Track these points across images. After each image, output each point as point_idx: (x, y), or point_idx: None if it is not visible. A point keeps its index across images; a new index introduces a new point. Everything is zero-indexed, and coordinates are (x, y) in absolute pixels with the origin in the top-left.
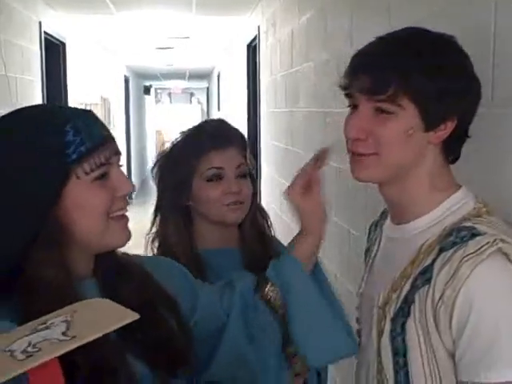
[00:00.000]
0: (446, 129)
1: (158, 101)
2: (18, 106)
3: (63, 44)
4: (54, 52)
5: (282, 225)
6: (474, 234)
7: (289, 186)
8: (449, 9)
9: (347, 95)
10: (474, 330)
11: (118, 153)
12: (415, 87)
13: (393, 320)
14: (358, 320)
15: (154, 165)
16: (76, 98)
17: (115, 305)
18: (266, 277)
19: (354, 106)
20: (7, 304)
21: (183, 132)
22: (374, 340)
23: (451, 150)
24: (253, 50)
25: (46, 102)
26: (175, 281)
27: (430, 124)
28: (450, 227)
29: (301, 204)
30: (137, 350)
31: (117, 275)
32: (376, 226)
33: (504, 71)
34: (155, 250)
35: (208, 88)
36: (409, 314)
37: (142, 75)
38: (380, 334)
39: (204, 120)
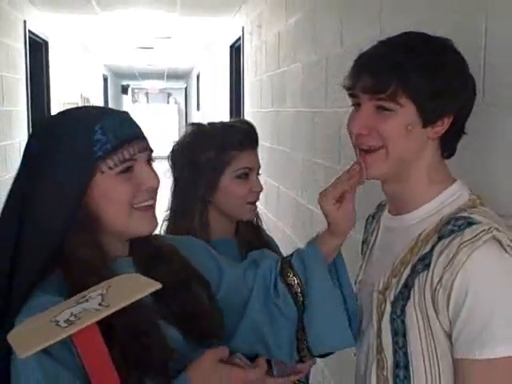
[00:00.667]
0: (443, 125)
1: (134, 101)
2: (3, 103)
3: (46, 43)
4: (37, 51)
5: (268, 221)
6: (470, 222)
7: (321, 194)
8: (441, 12)
9: (351, 95)
10: (470, 311)
11: (147, 149)
12: (413, 86)
13: (393, 303)
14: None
15: (170, 155)
16: (57, 97)
17: (142, 277)
18: (291, 264)
19: (357, 105)
20: (55, 280)
21: (193, 124)
22: (374, 323)
23: (448, 145)
24: (236, 50)
25: (29, 99)
26: (202, 259)
27: (427, 120)
28: (447, 217)
29: (332, 213)
30: (172, 319)
31: (153, 258)
32: (373, 217)
33: (494, 72)
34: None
35: (186, 88)
36: (408, 297)
37: (120, 75)
38: (380, 316)
39: (235, 120)
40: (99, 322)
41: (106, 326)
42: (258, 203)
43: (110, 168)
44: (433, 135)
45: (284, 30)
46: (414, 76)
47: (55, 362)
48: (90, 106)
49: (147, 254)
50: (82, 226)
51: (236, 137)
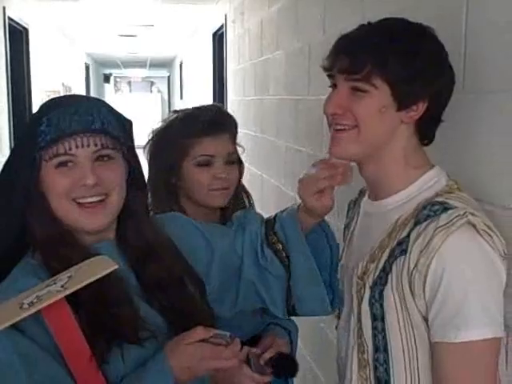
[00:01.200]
0: (418, 110)
1: (117, 89)
2: None
3: (26, 30)
4: (17, 38)
5: None
6: (445, 207)
7: (301, 184)
8: (422, 0)
9: (329, 76)
10: (445, 294)
11: (94, 145)
12: (388, 69)
13: (371, 288)
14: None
15: (147, 143)
16: (38, 85)
17: (105, 259)
18: (275, 230)
19: (334, 86)
20: (34, 260)
21: (177, 111)
22: (354, 307)
23: (424, 131)
24: (219, 38)
25: (10, 87)
26: (190, 237)
27: (401, 104)
28: (424, 202)
29: (311, 203)
30: (160, 310)
31: (144, 254)
32: (355, 203)
33: (474, 62)
34: None
35: (169, 77)
36: (386, 282)
37: (102, 63)
38: (360, 301)
39: (201, 105)
40: (68, 295)
41: (75, 298)
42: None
43: (46, 160)
44: (407, 119)
45: (267, 18)
46: (390, 59)
47: (28, 340)
48: (64, 96)
49: (139, 249)
50: (38, 209)
51: (196, 123)
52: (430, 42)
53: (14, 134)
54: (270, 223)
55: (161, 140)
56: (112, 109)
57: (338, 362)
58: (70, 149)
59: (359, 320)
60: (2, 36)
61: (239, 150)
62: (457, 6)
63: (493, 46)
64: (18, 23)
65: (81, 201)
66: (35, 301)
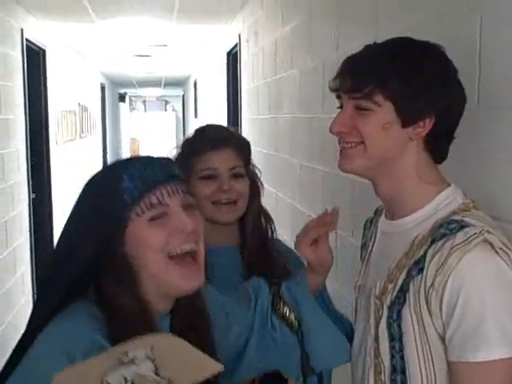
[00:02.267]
0: (425, 126)
1: (132, 108)
2: (1, 111)
3: (43, 51)
4: (34, 59)
5: None
6: (462, 226)
7: (297, 239)
8: (436, 18)
9: (337, 97)
10: (462, 313)
11: (181, 192)
12: (389, 87)
13: (389, 308)
14: (355, 310)
15: None
16: (55, 105)
17: (193, 349)
18: (281, 296)
19: (341, 106)
20: (83, 308)
21: (186, 137)
22: (372, 327)
23: (434, 148)
24: (233, 57)
25: (27, 108)
26: (216, 315)
27: (405, 120)
28: (440, 221)
29: (309, 255)
30: None
31: (190, 322)
32: (371, 222)
33: (490, 76)
34: None
35: (184, 95)
36: (404, 301)
37: (117, 83)
38: (378, 321)
39: (205, 124)
40: None
41: None
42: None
43: (138, 215)
44: (414, 136)
45: (281, 37)
46: (391, 77)
47: None
48: (122, 159)
49: (184, 316)
50: (119, 277)
51: (199, 141)
52: (433, 59)
53: (30, 154)
54: (276, 289)
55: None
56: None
57: (353, 383)
58: (163, 198)
59: (376, 340)
60: (19, 57)
61: (257, 172)
62: (471, 22)
63: (507, 63)
64: (35, 44)
65: (178, 250)
66: None
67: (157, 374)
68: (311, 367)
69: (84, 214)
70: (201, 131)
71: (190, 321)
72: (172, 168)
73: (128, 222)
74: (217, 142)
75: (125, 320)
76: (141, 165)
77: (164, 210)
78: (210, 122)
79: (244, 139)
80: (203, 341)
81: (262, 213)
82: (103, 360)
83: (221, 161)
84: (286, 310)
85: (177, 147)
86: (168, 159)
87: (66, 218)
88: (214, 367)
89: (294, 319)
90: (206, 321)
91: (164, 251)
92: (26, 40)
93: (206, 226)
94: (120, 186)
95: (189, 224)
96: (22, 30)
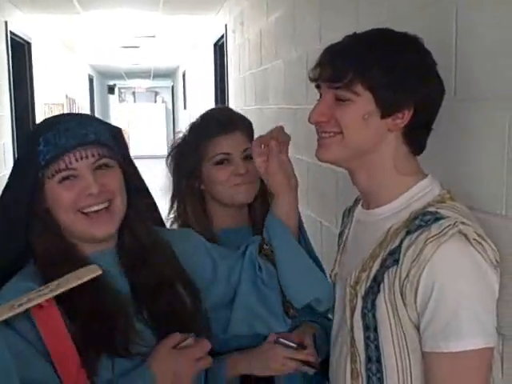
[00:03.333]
0: (403, 118)
1: (122, 100)
2: None
3: (29, 44)
4: (19, 52)
5: None
6: (437, 217)
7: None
8: (414, 10)
9: (316, 86)
10: (436, 304)
11: (92, 156)
12: (369, 77)
13: (364, 298)
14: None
15: (168, 155)
16: (42, 98)
17: (92, 266)
18: (263, 237)
19: (320, 96)
20: (33, 267)
21: (192, 122)
22: (347, 317)
23: (413, 139)
24: (220, 48)
25: (13, 101)
26: (199, 256)
27: (384, 110)
28: (415, 212)
29: (262, 170)
30: (148, 321)
31: (137, 257)
32: (349, 211)
33: (465, 68)
34: None
35: (173, 87)
36: (378, 291)
37: (106, 74)
38: (352, 311)
39: (210, 108)
40: (62, 302)
41: (70, 306)
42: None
43: (49, 177)
44: (392, 127)
45: (265, 28)
46: (371, 68)
47: (20, 337)
48: (55, 116)
49: (132, 252)
50: (43, 226)
51: (207, 126)
52: (412, 50)
53: (17, 147)
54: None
55: (179, 149)
56: (101, 121)
57: (331, 373)
58: (71, 163)
59: (351, 330)
60: (4, 50)
61: None
62: (447, 14)
63: (483, 53)
64: (20, 37)
65: (87, 210)
66: (24, 301)
67: (50, 290)
68: (290, 304)
69: (12, 177)
70: (207, 115)
71: (140, 256)
72: (88, 133)
73: (44, 181)
74: (226, 126)
75: (52, 260)
76: (56, 131)
77: (73, 173)
78: (198, 114)
79: (248, 120)
80: (160, 273)
81: (268, 192)
82: (28, 294)
83: (232, 144)
84: (268, 249)
85: (179, 132)
86: (89, 122)
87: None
88: (92, 272)
89: (273, 258)
90: (161, 256)
91: (73, 209)
92: (11, 33)
93: (219, 210)
94: (36, 148)
95: (93, 186)
96: (6, 22)
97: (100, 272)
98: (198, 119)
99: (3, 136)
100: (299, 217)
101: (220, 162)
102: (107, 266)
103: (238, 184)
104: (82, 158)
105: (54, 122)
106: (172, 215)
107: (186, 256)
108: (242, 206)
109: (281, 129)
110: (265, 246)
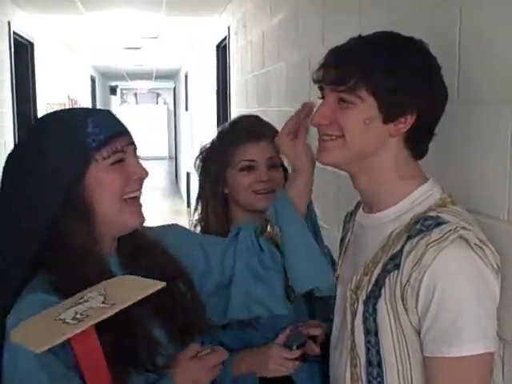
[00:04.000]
0: (406, 123)
1: (123, 101)
2: None
3: (31, 44)
4: (22, 52)
5: None
6: (438, 222)
7: (277, 134)
8: (417, 12)
9: (320, 88)
10: (438, 309)
11: (134, 144)
12: (374, 81)
13: (365, 302)
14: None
15: (197, 158)
16: (44, 98)
17: (140, 278)
18: (267, 219)
19: (323, 98)
20: (43, 281)
21: (221, 128)
22: (348, 321)
23: (414, 145)
24: (222, 50)
25: (15, 101)
26: (189, 248)
27: (387, 116)
28: (417, 217)
29: (288, 146)
30: (154, 318)
31: (137, 253)
32: (351, 215)
33: (468, 71)
34: None
35: (175, 88)
36: (379, 295)
37: (108, 75)
38: (353, 315)
39: (239, 115)
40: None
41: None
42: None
43: (104, 158)
44: (394, 132)
45: (268, 30)
46: (376, 72)
47: (58, 359)
48: (76, 108)
49: (130, 250)
50: (78, 216)
51: (235, 132)
52: (417, 54)
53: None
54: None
55: (207, 154)
56: None
57: (332, 376)
58: (125, 145)
59: (352, 334)
60: (7, 50)
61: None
62: (451, 18)
63: (487, 56)
64: (23, 37)
65: (133, 195)
66: (79, 316)
67: (103, 302)
68: (293, 289)
69: (44, 160)
70: (236, 123)
71: (135, 260)
72: (123, 123)
73: (90, 165)
74: (254, 134)
75: (79, 258)
76: (104, 115)
77: (123, 157)
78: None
79: (275, 129)
80: (160, 268)
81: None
82: (61, 306)
83: (258, 152)
84: (272, 230)
85: (208, 138)
86: (114, 114)
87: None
88: (155, 285)
89: (278, 239)
90: (156, 252)
91: (120, 194)
92: (14, 33)
93: (241, 214)
94: (85, 130)
95: (143, 172)
96: (9, 22)
97: (164, 284)
98: (226, 126)
99: (5, 135)
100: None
101: (244, 169)
102: (115, 269)
103: (259, 191)
104: (131, 143)
105: (91, 109)
106: (196, 217)
107: (174, 249)
108: (262, 212)
109: (313, 105)
110: (269, 229)
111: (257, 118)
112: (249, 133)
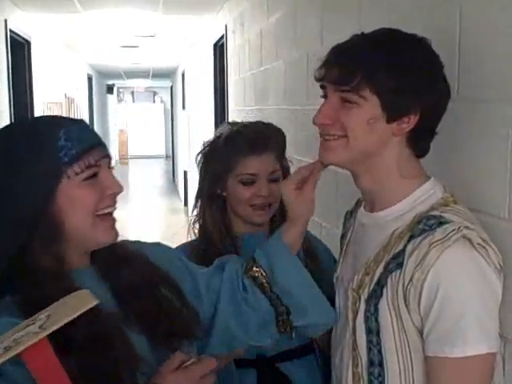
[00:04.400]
0: (409, 122)
1: (120, 100)
2: None
3: (28, 42)
4: (19, 50)
5: None
6: (441, 222)
7: (283, 181)
8: (417, 11)
9: (321, 86)
10: (441, 309)
11: (108, 156)
12: (377, 81)
13: (367, 301)
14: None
15: (200, 152)
16: (40, 97)
17: (84, 293)
18: (254, 257)
19: (325, 96)
20: (9, 303)
21: (229, 124)
22: (349, 321)
23: (417, 144)
24: (220, 48)
25: (12, 100)
26: (171, 265)
27: (391, 115)
28: (419, 216)
29: (291, 199)
30: (136, 324)
31: (116, 263)
32: (351, 214)
33: (468, 69)
34: (196, 232)
35: (172, 87)
36: (381, 295)
37: (104, 74)
38: (355, 314)
39: (249, 121)
40: (54, 337)
41: (64, 340)
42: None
43: (76, 174)
44: (397, 131)
45: (266, 28)
46: (379, 71)
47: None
48: (48, 116)
49: (109, 261)
50: (47, 235)
51: (241, 141)
52: (421, 53)
53: None
54: (251, 255)
55: (209, 152)
56: None
57: (333, 376)
58: (98, 160)
59: (354, 333)
60: (3, 48)
61: (290, 164)
62: (451, 15)
63: (487, 54)
64: (19, 35)
65: (107, 211)
66: (12, 344)
67: (40, 327)
68: (290, 323)
69: (11, 176)
70: (242, 131)
71: (115, 268)
72: (97, 134)
73: (62, 181)
74: (257, 146)
75: (45, 280)
76: (76, 126)
77: (96, 171)
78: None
79: (281, 135)
80: (141, 275)
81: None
82: (12, 331)
83: (260, 166)
84: (258, 271)
85: (215, 132)
86: (88, 125)
87: None
88: (86, 303)
89: (265, 282)
90: (137, 262)
91: (93, 211)
92: (10, 31)
93: (238, 219)
94: (57, 144)
95: (118, 187)
96: (5, 20)
97: (96, 302)
98: (232, 131)
99: None
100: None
101: (245, 183)
102: (90, 280)
103: (257, 205)
104: (105, 157)
105: (64, 119)
106: (195, 213)
107: (158, 262)
108: (260, 224)
109: (321, 166)
110: (254, 269)
111: (263, 125)
112: (253, 145)
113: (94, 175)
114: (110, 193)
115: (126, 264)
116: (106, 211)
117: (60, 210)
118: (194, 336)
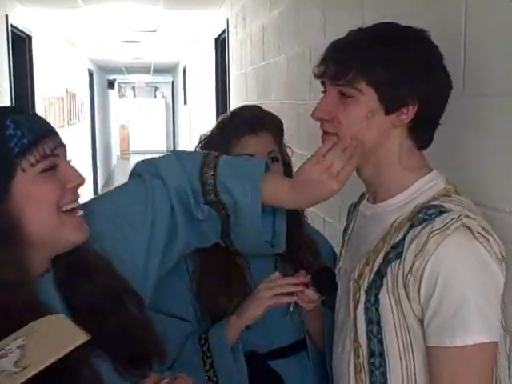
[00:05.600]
0: (408, 113)
1: (121, 95)
2: None
3: (29, 37)
4: (20, 46)
5: None
6: (441, 211)
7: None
8: (422, 4)
9: (322, 83)
10: (441, 298)
11: (63, 145)
12: (372, 74)
13: (367, 291)
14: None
15: (196, 147)
16: (42, 92)
17: (67, 323)
18: (217, 190)
19: (324, 92)
20: None
21: (222, 117)
22: (350, 311)
23: (418, 135)
24: (221, 43)
25: (13, 95)
26: (126, 243)
27: (388, 107)
28: (420, 206)
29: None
30: (100, 350)
31: (78, 271)
32: (354, 207)
33: (474, 63)
34: None
35: (173, 82)
36: (381, 285)
37: (106, 69)
38: (355, 305)
39: (241, 106)
40: None
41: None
42: None
43: (32, 165)
44: (397, 123)
45: (268, 23)
46: (374, 64)
47: None
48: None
49: (69, 269)
50: (2, 241)
51: (236, 123)
52: (416, 45)
53: None
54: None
55: (206, 143)
56: None
57: (335, 366)
58: (55, 148)
59: (355, 324)
60: (4, 44)
61: (288, 151)
62: (456, 10)
63: (492, 49)
64: (21, 31)
65: (70, 206)
66: None
67: (16, 363)
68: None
69: None
70: (237, 113)
71: (75, 278)
72: (49, 122)
73: (16, 173)
74: (254, 126)
75: (6, 294)
76: (25, 115)
77: (55, 162)
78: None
79: (278, 120)
80: (103, 288)
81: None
82: None
83: (258, 145)
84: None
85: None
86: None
87: None
88: (76, 338)
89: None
90: (97, 282)
91: (56, 208)
92: (12, 26)
93: None
94: (5, 133)
95: (80, 178)
96: (6, 16)
97: (88, 338)
98: (227, 116)
99: None
100: None
101: None
102: (46, 289)
103: None
104: (61, 145)
105: (10, 108)
106: None
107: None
108: None
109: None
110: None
111: (258, 108)
112: (249, 125)
113: (52, 167)
114: (71, 186)
115: (87, 277)
116: (70, 207)
117: (17, 210)
118: (162, 357)
